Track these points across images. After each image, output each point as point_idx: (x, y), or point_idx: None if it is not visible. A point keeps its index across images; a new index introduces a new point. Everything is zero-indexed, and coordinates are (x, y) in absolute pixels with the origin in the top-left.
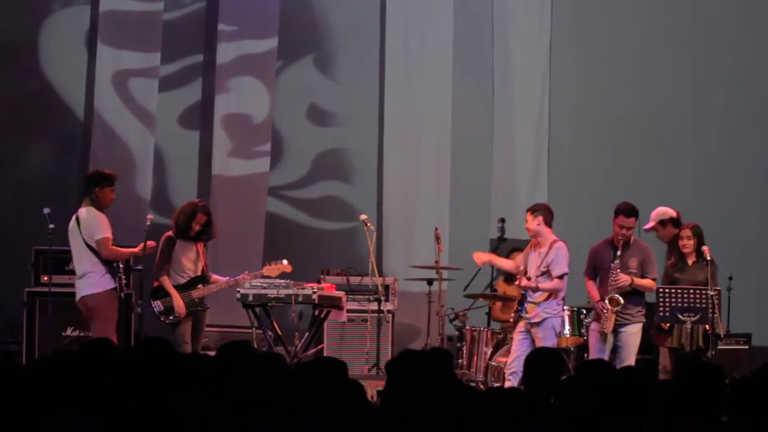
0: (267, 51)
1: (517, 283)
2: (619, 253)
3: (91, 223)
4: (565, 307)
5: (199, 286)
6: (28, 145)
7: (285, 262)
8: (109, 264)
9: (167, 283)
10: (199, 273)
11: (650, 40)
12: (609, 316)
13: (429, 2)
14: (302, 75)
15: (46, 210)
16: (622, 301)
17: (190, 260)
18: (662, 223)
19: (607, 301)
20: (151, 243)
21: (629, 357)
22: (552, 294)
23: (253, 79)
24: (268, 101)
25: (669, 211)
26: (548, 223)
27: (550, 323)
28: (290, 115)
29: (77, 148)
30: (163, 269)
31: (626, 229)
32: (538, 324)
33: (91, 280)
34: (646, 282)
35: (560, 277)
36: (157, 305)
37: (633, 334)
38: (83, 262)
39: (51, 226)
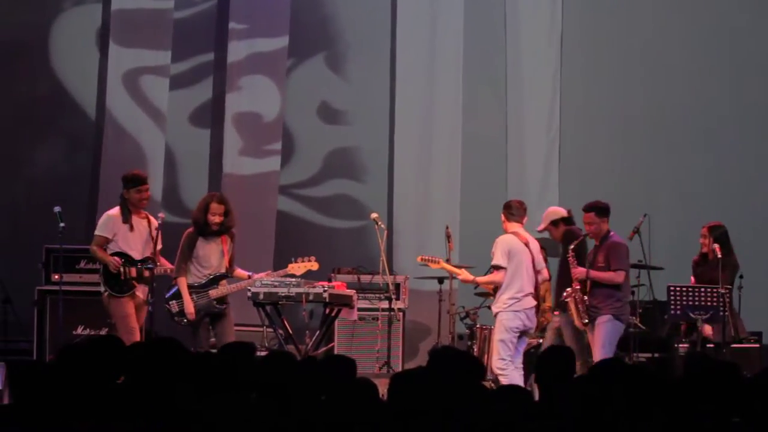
0: (278, 49)
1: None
2: (572, 247)
3: (99, 222)
4: None
5: (221, 284)
6: (40, 143)
7: (313, 258)
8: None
9: (182, 284)
10: (223, 270)
11: (660, 39)
12: (569, 306)
13: (440, 1)
14: (313, 73)
15: (57, 208)
16: (565, 293)
17: (213, 256)
18: (554, 223)
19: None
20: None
21: (597, 348)
22: (498, 287)
23: (264, 77)
24: (279, 100)
25: (560, 211)
26: (509, 218)
27: (500, 317)
28: (301, 114)
29: (88, 146)
30: (180, 269)
31: (587, 225)
32: (495, 317)
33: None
34: (604, 274)
35: (495, 269)
36: (173, 306)
37: (600, 324)
38: None
39: (62, 224)
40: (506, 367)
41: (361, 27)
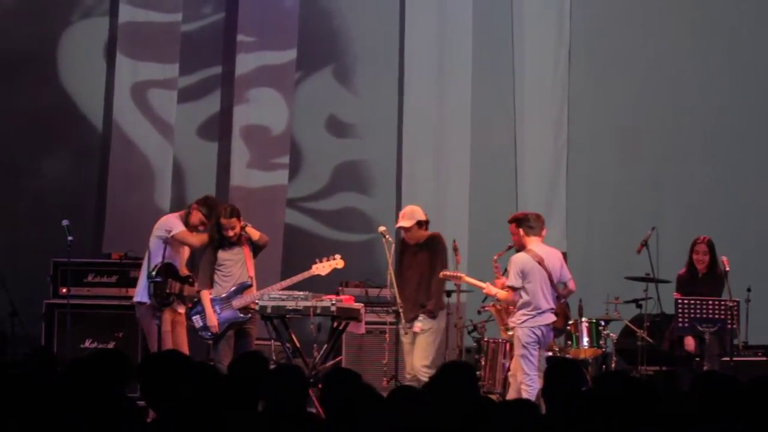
0: (286, 62)
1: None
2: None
3: (165, 223)
4: (584, 319)
5: (244, 293)
6: (47, 156)
7: (338, 257)
8: (149, 276)
9: (205, 297)
10: (246, 279)
11: (669, 51)
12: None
13: (448, 13)
14: (321, 86)
15: (65, 222)
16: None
17: (235, 266)
18: (419, 223)
19: None
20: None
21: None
22: (516, 304)
23: (271, 90)
24: (287, 112)
25: (422, 213)
26: (528, 233)
27: (516, 332)
28: (309, 127)
29: (96, 159)
30: (203, 283)
31: (511, 235)
32: (512, 331)
33: (138, 288)
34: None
35: (511, 288)
36: (196, 320)
37: None
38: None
39: (69, 238)
40: (531, 383)
41: (369, 40)
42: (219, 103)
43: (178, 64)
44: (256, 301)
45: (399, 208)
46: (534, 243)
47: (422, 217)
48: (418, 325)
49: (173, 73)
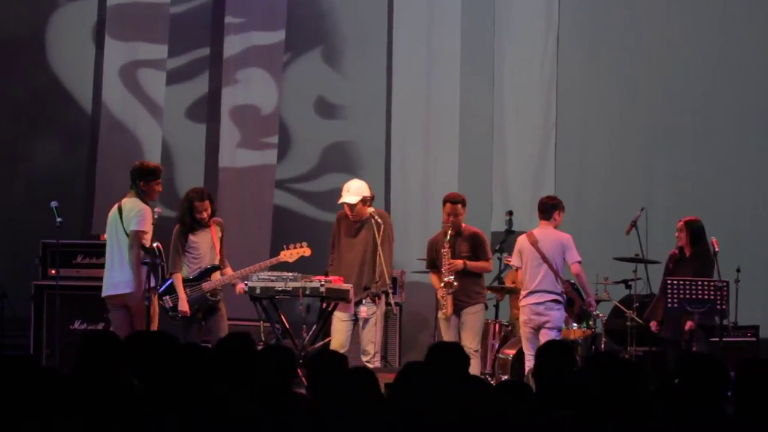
0: (274, 43)
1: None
2: (448, 238)
3: (134, 214)
4: None
5: (213, 276)
6: (37, 139)
7: (305, 244)
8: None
9: (177, 280)
10: (215, 261)
11: (659, 33)
12: (446, 299)
13: None
14: (310, 68)
15: (54, 203)
16: (455, 283)
17: (204, 247)
18: (364, 201)
19: (442, 286)
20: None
21: (469, 338)
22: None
23: (260, 70)
24: (276, 93)
25: (368, 188)
26: (540, 217)
27: None
28: (298, 108)
29: (85, 141)
30: (174, 265)
31: (454, 216)
32: None
33: (143, 275)
34: (480, 264)
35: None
36: (167, 301)
37: (473, 314)
38: (121, 255)
39: (58, 219)
40: (529, 360)
41: (357, 21)
42: (207, 85)
43: (167, 45)
44: (246, 283)
45: (388, 189)
46: (542, 226)
47: (367, 194)
48: (363, 310)
49: (162, 54)
